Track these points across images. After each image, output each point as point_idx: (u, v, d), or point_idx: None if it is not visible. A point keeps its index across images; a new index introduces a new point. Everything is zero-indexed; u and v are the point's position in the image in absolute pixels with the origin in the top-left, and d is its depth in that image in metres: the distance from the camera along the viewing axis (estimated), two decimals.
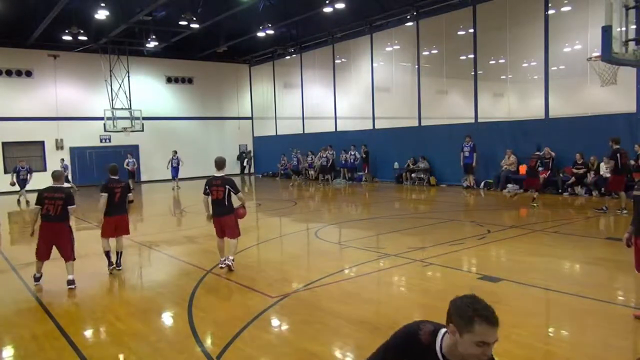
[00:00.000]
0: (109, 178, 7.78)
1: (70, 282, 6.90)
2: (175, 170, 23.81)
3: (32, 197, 18.42)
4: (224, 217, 7.55)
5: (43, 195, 6.92)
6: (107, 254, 7.74)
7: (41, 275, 7.12)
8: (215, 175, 7.54)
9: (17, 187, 18.96)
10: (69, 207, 6.94)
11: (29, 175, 19.00)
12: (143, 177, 26.93)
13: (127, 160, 22.98)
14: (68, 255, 7.01)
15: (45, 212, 6.86)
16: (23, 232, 13.63)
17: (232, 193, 7.46)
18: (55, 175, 7.17)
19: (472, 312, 2.08)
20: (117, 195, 7.68)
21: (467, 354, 2.11)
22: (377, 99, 22.49)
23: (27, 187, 18.66)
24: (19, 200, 18.75)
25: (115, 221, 7.76)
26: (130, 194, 8.00)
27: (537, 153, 14.42)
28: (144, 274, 8.11)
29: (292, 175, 24.18)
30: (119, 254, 7.89)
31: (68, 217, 7.00)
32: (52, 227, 6.90)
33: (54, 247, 7.02)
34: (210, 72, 29.75)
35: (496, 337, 2.09)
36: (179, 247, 9.87)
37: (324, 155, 23.26)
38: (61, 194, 6.94)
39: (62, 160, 23.04)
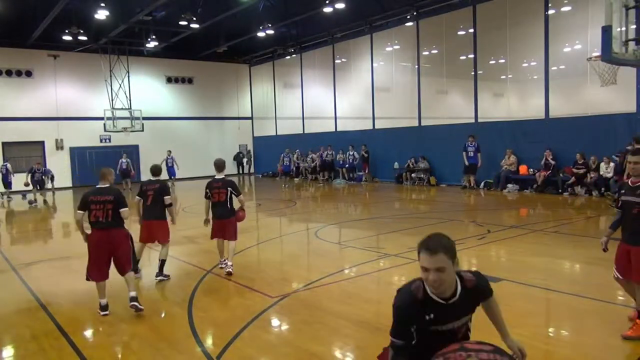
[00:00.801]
0: (148, 179, 7.41)
1: (134, 299, 5.81)
2: (171, 170, 23.93)
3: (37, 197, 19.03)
4: (226, 219, 7.44)
5: (88, 199, 5.84)
6: (138, 260, 7.29)
7: (107, 304, 5.85)
8: (216, 177, 7.45)
9: (28, 187, 19.45)
10: (120, 210, 5.85)
11: (44, 176, 19.50)
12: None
13: (121, 160, 22.88)
14: (125, 266, 5.97)
15: (94, 218, 5.80)
16: (23, 232, 13.64)
17: (233, 195, 7.40)
18: (102, 174, 6.10)
19: (419, 243, 2.51)
20: (149, 198, 7.18)
21: (424, 280, 2.53)
22: (377, 99, 22.49)
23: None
24: (36, 200, 19.03)
25: (148, 226, 7.20)
26: (169, 197, 7.30)
27: (629, 148, 12.47)
28: (144, 274, 8.09)
29: (282, 177, 24.22)
30: (160, 262, 7.30)
31: (122, 221, 5.96)
32: (108, 235, 5.81)
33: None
34: (210, 72, 29.74)
35: (434, 265, 2.43)
36: (178, 247, 9.87)
37: (310, 156, 24.47)
38: (109, 196, 5.86)
39: (37, 164, 20.33)
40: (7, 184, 20.30)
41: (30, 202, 18.64)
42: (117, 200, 5.86)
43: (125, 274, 5.92)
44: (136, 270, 7.27)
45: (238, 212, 7.62)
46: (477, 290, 2.70)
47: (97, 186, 6.00)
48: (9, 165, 20.63)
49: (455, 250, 2.52)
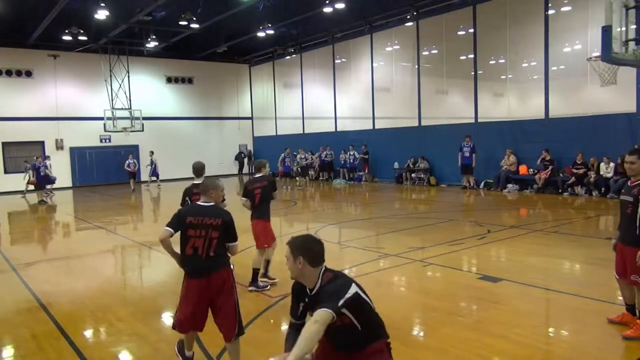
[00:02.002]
0: (253, 177, 6.77)
1: None
2: (154, 171, 24.10)
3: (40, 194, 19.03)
4: None
5: (186, 220, 4.09)
6: (254, 271, 6.54)
7: (193, 355, 4.41)
8: (195, 182, 6.49)
9: (30, 187, 19.40)
10: (229, 245, 4.17)
11: (47, 171, 19.46)
12: (143, 177, 26.90)
13: (127, 161, 23.01)
14: (231, 328, 4.11)
15: (191, 251, 4.08)
16: (23, 232, 13.63)
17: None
18: (205, 187, 4.24)
19: None
20: (256, 197, 6.56)
21: None
22: (377, 99, 22.50)
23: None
24: (46, 201, 19.03)
25: (255, 226, 6.60)
26: (275, 192, 6.81)
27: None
28: (144, 274, 8.10)
29: (282, 177, 24.10)
30: (266, 263, 6.86)
31: (227, 256, 4.20)
32: (208, 283, 4.05)
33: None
34: (210, 72, 29.74)
35: (286, 255, 3.06)
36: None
37: (302, 156, 24.75)
38: (216, 220, 4.05)
39: (38, 158, 20.26)
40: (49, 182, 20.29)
41: (40, 202, 18.61)
42: (226, 226, 4.08)
43: (231, 340, 4.14)
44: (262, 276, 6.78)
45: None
46: (322, 291, 3.00)
47: (199, 202, 4.22)
48: (48, 163, 20.34)
49: (311, 251, 3.04)
